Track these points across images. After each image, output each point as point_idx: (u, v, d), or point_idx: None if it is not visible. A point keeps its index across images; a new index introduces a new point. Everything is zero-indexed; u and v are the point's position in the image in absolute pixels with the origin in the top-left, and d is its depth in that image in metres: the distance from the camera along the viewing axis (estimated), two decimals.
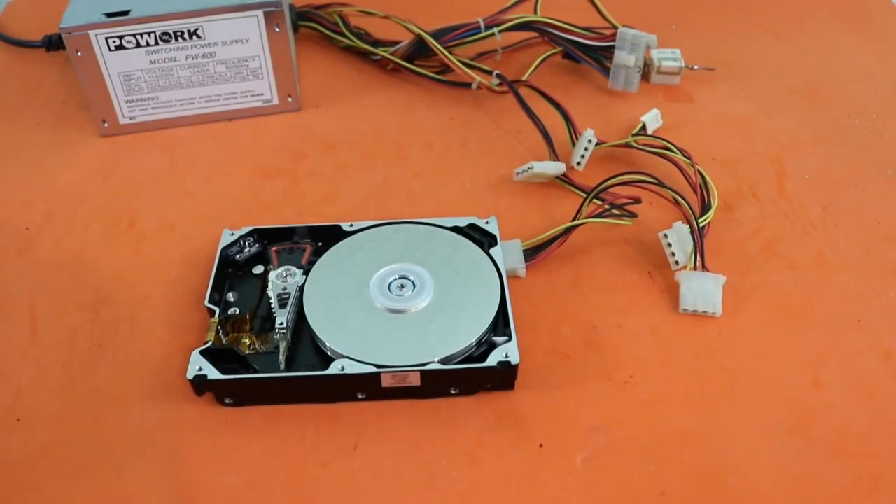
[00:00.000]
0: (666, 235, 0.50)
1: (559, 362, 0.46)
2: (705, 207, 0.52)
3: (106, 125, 0.63)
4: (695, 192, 0.53)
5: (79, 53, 0.59)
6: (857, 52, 0.71)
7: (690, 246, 0.50)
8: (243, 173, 0.60)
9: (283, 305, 0.45)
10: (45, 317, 0.49)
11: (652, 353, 0.46)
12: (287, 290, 0.46)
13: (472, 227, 0.50)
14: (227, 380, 0.42)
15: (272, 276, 0.47)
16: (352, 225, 0.51)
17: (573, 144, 0.59)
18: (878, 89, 0.67)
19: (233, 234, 0.50)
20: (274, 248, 0.50)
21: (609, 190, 0.52)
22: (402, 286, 0.46)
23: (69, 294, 0.51)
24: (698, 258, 0.49)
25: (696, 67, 0.67)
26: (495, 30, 0.66)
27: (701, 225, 0.50)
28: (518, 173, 0.57)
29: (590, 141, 0.58)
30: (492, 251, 0.49)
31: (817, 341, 0.47)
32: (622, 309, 0.49)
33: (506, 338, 0.44)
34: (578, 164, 0.58)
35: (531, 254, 0.51)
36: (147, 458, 0.42)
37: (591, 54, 0.66)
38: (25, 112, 0.67)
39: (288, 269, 0.47)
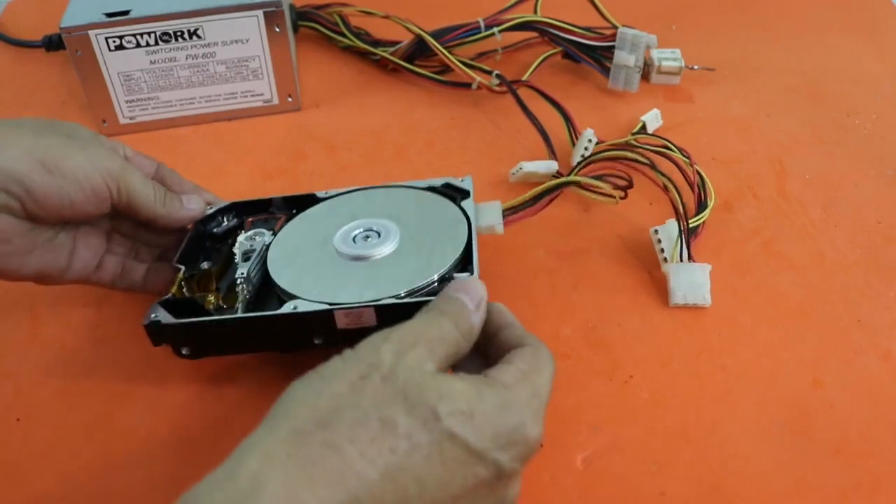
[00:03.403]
0: (657, 231, 0.50)
1: (559, 362, 0.45)
2: (702, 206, 0.52)
3: (106, 125, 0.63)
4: (692, 190, 0.53)
5: (79, 53, 0.59)
6: (857, 52, 0.71)
7: (675, 238, 0.50)
8: (243, 173, 0.60)
9: (246, 260, 0.45)
10: (45, 317, 0.49)
11: (652, 352, 0.46)
12: (253, 248, 0.46)
13: (448, 185, 0.50)
14: (181, 325, 0.41)
15: (241, 237, 0.47)
16: (326, 193, 0.50)
17: (573, 144, 0.59)
18: (878, 89, 0.67)
19: (211, 207, 0.49)
20: (249, 220, 0.50)
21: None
22: (368, 237, 0.45)
23: (69, 294, 0.51)
24: (684, 250, 0.49)
25: (696, 67, 0.67)
26: (495, 30, 0.66)
27: (696, 223, 0.51)
28: (512, 174, 0.57)
29: (590, 140, 0.58)
30: (463, 203, 0.48)
31: (817, 341, 0.47)
32: (622, 309, 0.49)
33: (466, 274, 0.42)
34: (578, 163, 0.58)
35: (513, 212, 0.50)
36: (147, 459, 0.42)
37: (591, 54, 0.66)
38: (25, 112, 0.67)
39: (258, 231, 0.47)
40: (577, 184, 0.51)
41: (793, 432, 0.42)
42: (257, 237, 0.47)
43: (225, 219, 0.50)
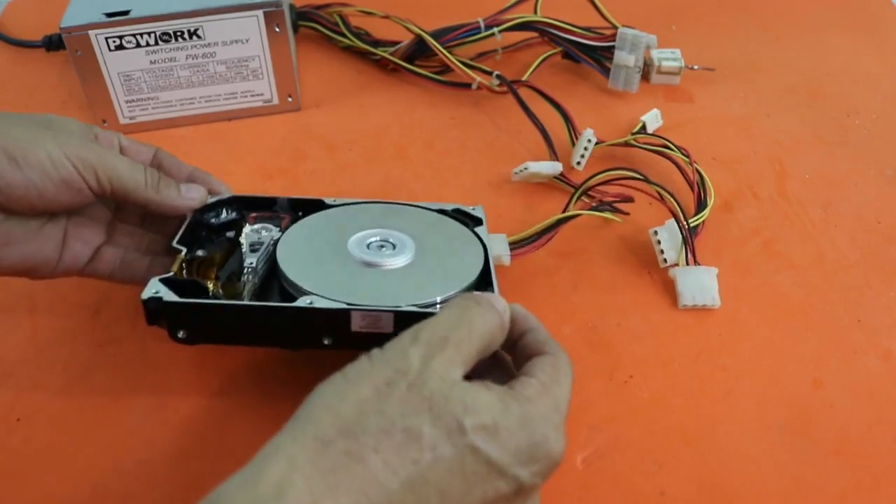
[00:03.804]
0: (656, 233, 0.51)
1: None
2: (701, 205, 0.52)
3: (106, 125, 0.63)
4: (692, 190, 0.53)
5: (79, 53, 0.59)
6: (857, 52, 0.71)
7: (680, 244, 0.50)
8: (243, 173, 0.60)
9: (254, 251, 0.44)
10: (45, 317, 0.49)
11: (652, 352, 0.46)
12: (261, 241, 0.45)
13: (458, 211, 0.49)
14: (184, 304, 0.39)
15: (247, 229, 0.46)
16: (335, 200, 0.49)
17: (573, 144, 0.59)
18: (878, 89, 0.67)
19: (213, 197, 0.48)
20: (252, 215, 0.48)
21: (602, 188, 0.52)
22: (382, 246, 0.45)
23: (69, 294, 0.51)
24: (689, 253, 0.49)
25: (696, 67, 0.67)
26: (495, 30, 0.66)
27: (696, 223, 0.51)
28: (515, 173, 0.57)
29: (589, 140, 0.58)
30: (477, 229, 0.47)
31: (817, 341, 0.47)
32: (622, 309, 0.49)
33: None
34: (578, 163, 0.58)
35: (518, 245, 0.50)
36: (147, 459, 0.42)
37: (591, 54, 0.66)
38: (25, 112, 0.67)
39: (265, 226, 0.46)
40: (579, 216, 0.51)
41: (793, 432, 0.42)
42: (264, 231, 0.46)
43: (225, 211, 0.48)
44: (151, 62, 0.61)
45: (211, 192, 0.48)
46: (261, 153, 0.62)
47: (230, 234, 0.48)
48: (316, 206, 0.49)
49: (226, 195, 0.48)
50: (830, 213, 0.55)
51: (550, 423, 0.33)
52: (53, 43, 0.70)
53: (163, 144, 0.55)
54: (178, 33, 0.60)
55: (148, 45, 0.60)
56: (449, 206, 0.50)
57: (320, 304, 0.39)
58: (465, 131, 0.64)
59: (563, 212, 0.52)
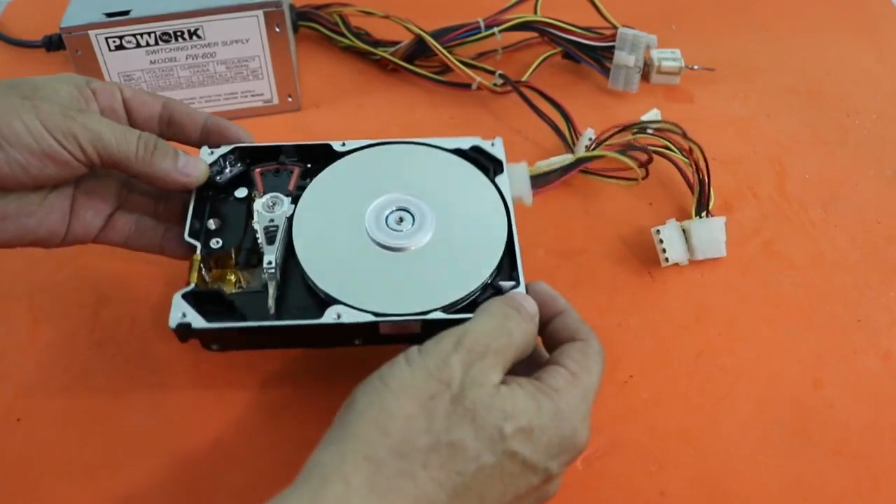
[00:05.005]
0: (658, 231, 0.51)
1: None
2: (701, 206, 0.52)
3: None
4: (692, 190, 0.53)
5: (79, 53, 0.59)
6: (857, 52, 0.71)
7: (681, 243, 0.50)
8: None
9: (270, 241, 0.42)
10: (45, 317, 0.49)
11: (652, 352, 0.46)
12: (275, 223, 0.42)
13: (476, 150, 0.46)
14: (214, 329, 0.39)
15: (257, 205, 0.43)
16: (344, 144, 0.46)
17: (573, 144, 0.59)
18: (878, 89, 0.67)
19: (212, 152, 0.45)
20: (258, 170, 0.45)
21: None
22: (401, 219, 0.43)
23: (69, 294, 0.51)
24: (704, 206, 0.52)
25: (696, 67, 0.67)
26: (495, 30, 0.66)
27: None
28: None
29: (590, 140, 0.58)
30: (498, 179, 0.45)
31: (817, 341, 0.47)
32: (622, 309, 0.49)
33: (513, 283, 0.40)
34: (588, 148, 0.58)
35: (539, 181, 0.49)
36: (147, 459, 0.42)
37: (591, 54, 0.66)
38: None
39: (275, 198, 0.43)
40: (602, 157, 0.53)
41: (793, 432, 0.42)
42: (276, 206, 0.43)
43: (227, 164, 0.45)
44: (151, 62, 0.61)
45: (231, 141, 0.45)
46: None
47: (239, 193, 0.45)
48: (323, 151, 0.46)
49: (226, 147, 0.45)
50: (830, 213, 0.55)
51: (578, 414, 0.35)
52: (53, 43, 0.70)
53: None
54: (178, 33, 0.60)
55: (148, 45, 0.60)
56: (466, 142, 0.46)
57: (348, 317, 0.39)
58: (465, 131, 0.63)
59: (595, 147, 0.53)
